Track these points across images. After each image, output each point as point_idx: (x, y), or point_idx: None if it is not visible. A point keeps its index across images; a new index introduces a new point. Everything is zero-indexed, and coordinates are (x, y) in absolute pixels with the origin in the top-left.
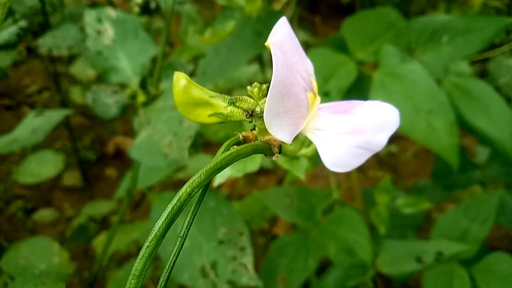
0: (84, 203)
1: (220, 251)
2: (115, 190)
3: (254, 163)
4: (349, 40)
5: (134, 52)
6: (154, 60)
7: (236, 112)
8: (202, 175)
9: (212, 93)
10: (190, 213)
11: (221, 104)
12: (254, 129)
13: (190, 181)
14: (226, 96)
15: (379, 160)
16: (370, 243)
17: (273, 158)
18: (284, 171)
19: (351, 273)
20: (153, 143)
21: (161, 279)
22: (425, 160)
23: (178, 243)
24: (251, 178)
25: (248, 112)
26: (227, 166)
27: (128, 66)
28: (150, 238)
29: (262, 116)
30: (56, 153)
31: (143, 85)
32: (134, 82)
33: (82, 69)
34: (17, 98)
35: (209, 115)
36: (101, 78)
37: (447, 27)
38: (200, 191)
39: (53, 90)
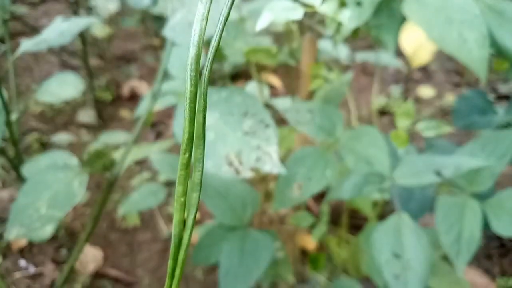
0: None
1: (245, 141)
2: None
3: (297, 11)
4: None
5: None
6: None
7: None
8: None
9: None
10: None
11: None
12: None
13: None
14: None
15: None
16: (389, 158)
17: None
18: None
19: (370, 180)
20: (187, 23)
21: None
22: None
23: None
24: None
25: None
26: None
27: None
28: None
29: None
30: (77, 75)
31: None
32: None
33: (103, 3)
34: None
35: None
36: None
37: None
38: None
39: None
